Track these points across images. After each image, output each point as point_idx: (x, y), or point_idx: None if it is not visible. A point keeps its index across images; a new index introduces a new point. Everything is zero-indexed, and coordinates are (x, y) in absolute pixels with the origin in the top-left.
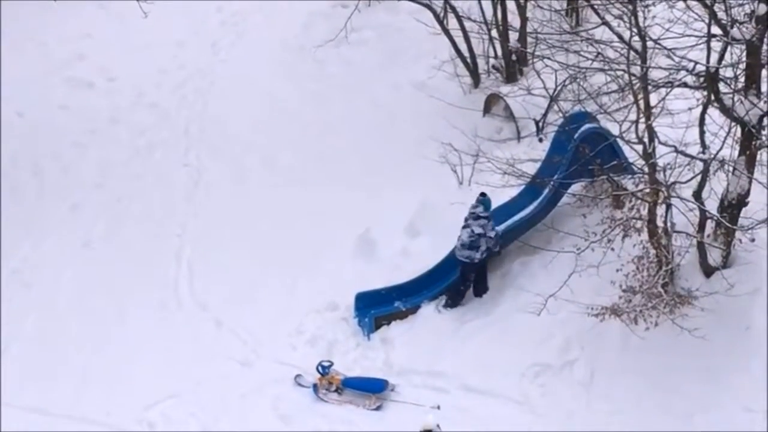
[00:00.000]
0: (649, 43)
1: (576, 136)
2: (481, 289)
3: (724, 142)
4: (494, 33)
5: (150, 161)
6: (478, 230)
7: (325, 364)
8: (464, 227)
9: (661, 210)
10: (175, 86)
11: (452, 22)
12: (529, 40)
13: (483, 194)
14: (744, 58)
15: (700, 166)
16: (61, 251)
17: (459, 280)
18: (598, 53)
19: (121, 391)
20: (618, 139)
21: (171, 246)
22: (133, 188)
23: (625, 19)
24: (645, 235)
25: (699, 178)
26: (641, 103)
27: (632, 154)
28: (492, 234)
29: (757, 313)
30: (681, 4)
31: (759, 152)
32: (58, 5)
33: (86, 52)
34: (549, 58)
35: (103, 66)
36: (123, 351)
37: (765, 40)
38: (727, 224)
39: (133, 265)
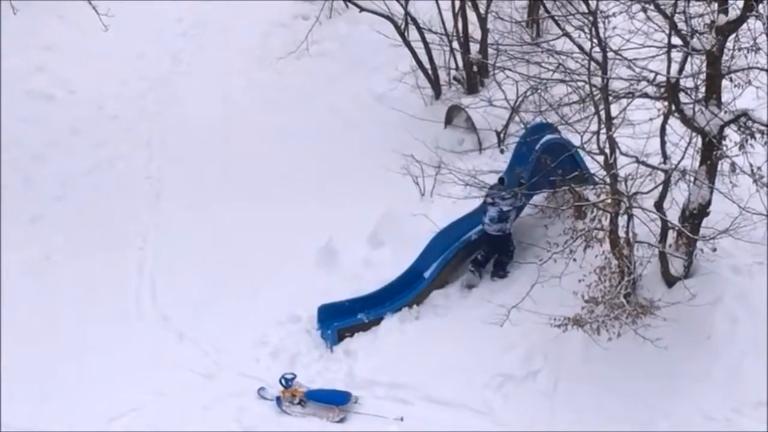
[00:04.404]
0: (610, 54)
1: (537, 147)
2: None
3: (685, 152)
4: (455, 44)
5: (111, 173)
6: (506, 208)
7: (288, 376)
8: (490, 205)
9: (622, 220)
10: (136, 97)
11: (413, 34)
12: (490, 51)
13: (502, 179)
14: (704, 69)
15: (661, 176)
16: (21, 264)
17: (500, 253)
18: (559, 64)
19: (83, 404)
20: (579, 150)
21: (133, 258)
22: (95, 200)
23: (586, 30)
24: (607, 246)
25: (660, 188)
26: (602, 113)
27: (594, 165)
28: (520, 203)
29: (718, 323)
30: (641, 15)
31: (719, 162)
32: (16, 17)
33: (46, 65)
34: (510, 70)
35: (63, 78)
36: (85, 364)
37: (725, 50)
38: (689, 234)
39: (95, 278)
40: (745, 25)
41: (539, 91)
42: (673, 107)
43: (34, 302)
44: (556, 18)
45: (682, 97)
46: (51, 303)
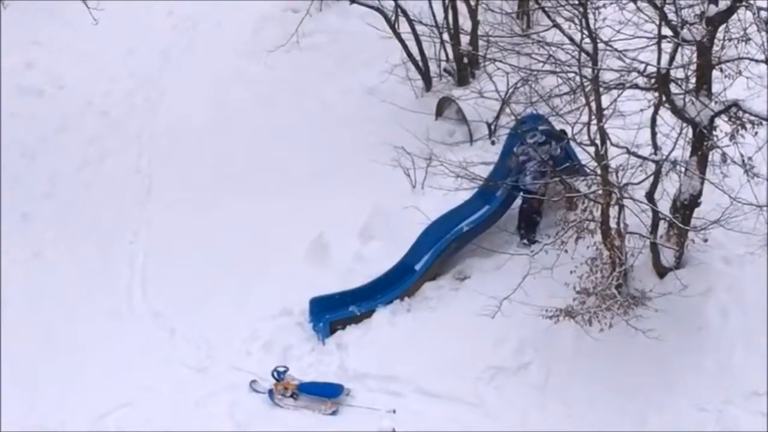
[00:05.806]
0: (600, 45)
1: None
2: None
3: (675, 143)
4: (445, 36)
5: (101, 169)
6: (544, 157)
7: (281, 369)
8: (526, 162)
9: (613, 211)
10: (126, 93)
11: (403, 26)
12: (480, 43)
13: (523, 120)
14: (695, 59)
15: (652, 167)
16: (11, 261)
17: (530, 213)
18: (550, 55)
19: (74, 400)
20: (570, 141)
21: (123, 254)
22: (84, 196)
23: (576, 21)
24: (598, 237)
25: (651, 179)
26: (593, 104)
27: (584, 156)
28: (557, 153)
29: (710, 313)
30: (631, 6)
31: (710, 153)
32: (5, 13)
33: (35, 61)
34: (500, 61)
35: (52, 74)
36: (75, 360)
37: (715, 40)
38: (680, 225)
39: (85, 274)
40: (735, 15)
41: (530, 82)
42: (664, 98)
43: (24, 299)
44: (547, 9)
45: (673, 88)
46: (42, 299)
